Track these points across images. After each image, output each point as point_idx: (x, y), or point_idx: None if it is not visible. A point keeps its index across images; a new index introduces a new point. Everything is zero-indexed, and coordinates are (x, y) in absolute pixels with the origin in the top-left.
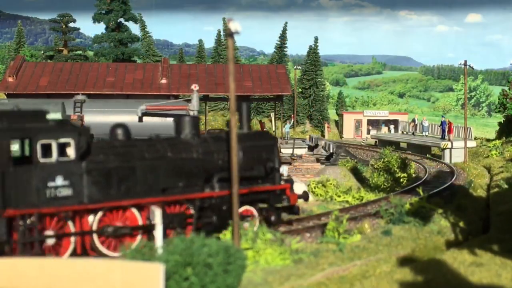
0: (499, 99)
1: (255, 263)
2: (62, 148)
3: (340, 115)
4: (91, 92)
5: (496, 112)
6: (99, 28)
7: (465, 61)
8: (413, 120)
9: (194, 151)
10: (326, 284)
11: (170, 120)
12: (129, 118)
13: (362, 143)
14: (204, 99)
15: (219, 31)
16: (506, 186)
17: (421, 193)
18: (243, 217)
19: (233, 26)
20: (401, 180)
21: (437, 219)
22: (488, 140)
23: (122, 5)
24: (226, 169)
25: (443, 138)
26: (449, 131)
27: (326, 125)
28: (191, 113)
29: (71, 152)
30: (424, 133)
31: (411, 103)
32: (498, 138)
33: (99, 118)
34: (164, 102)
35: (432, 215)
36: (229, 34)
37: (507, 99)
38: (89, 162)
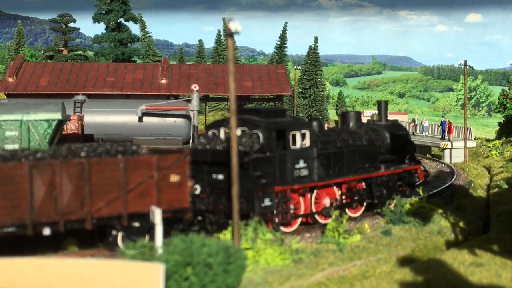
0: (499, 99)
1: (255, 263)
2: (301, 137)
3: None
4: (91, 92)
5: (496, 112)
6: (99, 28)
7: (465, 61)
8: (413, 120)
9: (363, 139)
10: (326, 284)
11: (169, 120)
12: (129, 118)
13: None
14: (204, 99)
15: (219, 31)
16: (506, 186)
17: (421, 193)
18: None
19: (233, 26)
20: None
21: (437, 219)
22: (488, 140)
23: (122, 5)
24: (385, 154)
25: (443, 138)
26: (449, 131)
27: (326, 125)
28: (191, 113)
29: (306, 140)
30: (424, 133)
31: (411, 103)
32: (498, 138)
33: (99, 118)
34: (164, 102)
35: (432, 215)
36: (229, 34)
37: (507, 99)
38: (318, 148)
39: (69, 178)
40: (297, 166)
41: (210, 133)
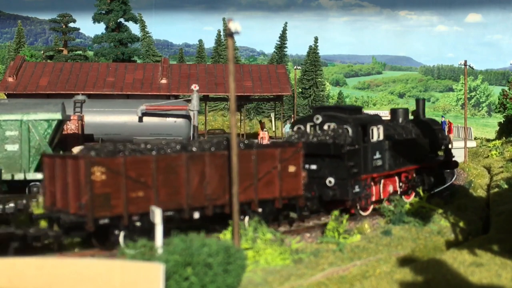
0: (499, 99)
1: (255, 263)
2: (377, 131)
3: None
4: (91, 92)
5: (496, 112)
6: (99, 28)
7: (465, 61)
8: None
9: (413, 133)
10: (326, 284)
11: (170, 120)
12: (129, 118)
13: None
14: (204, 99)
15: (219, 31)
16: (506, 186)
17: (421, 193)
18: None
19: (233, 26)
20: None
21: (437, 219)
22: (488, 140)
23: (122, 5)
24: (430, 146)
25: None
26: (449, 131)
27: None
28: (191, 113)
29: (380, 134)
30: None
31: (411, 103)
32: (498, 138)
33: (99, 118)
34: (164, 102)
35: (432, 215)
36: (229, 34)
37: (507, 99)
38: (389, 141)
39: (215, 168)
40: (374, 157)
41: (295, 128)
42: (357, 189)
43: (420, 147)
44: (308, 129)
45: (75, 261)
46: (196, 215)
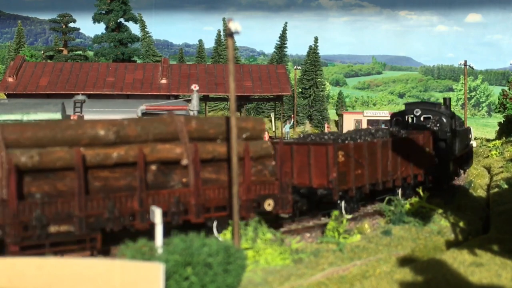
0: (499, 99)
1: (255, 263)
2: (454, 122)
3: (340, 115)
4: (91, 92)
5: (496, 112)
6: (99, 28)
7: (465, 61)
8: None
9: (462, 125)
10: (326, 284)
11: None
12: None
13: None
14: (204, 99)
15: (219, 31)
16: (506, 186)
17: (421, 193)
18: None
19: (233, 26)
20: None
21: (437, 219)
22: (488, 140)
23: (122, 5)
24: (466, 138)
25: None
26: None
27: (326, 125)
28: (191, 113)
29: (454, 124)
30: None
31: None
32: (498, 138)
33: (99, 118)
34: (164, 102)
35: (432, 215)
36: (229, 34)
37: (507, 99)
38: (454, 131)
39: (390, 151)
40: (454, 141)
41: (394, 120)
42: (451, 167)
43: (467, 136)
44: (406, 119)
45: (75, 261)
46: (380, 187)
